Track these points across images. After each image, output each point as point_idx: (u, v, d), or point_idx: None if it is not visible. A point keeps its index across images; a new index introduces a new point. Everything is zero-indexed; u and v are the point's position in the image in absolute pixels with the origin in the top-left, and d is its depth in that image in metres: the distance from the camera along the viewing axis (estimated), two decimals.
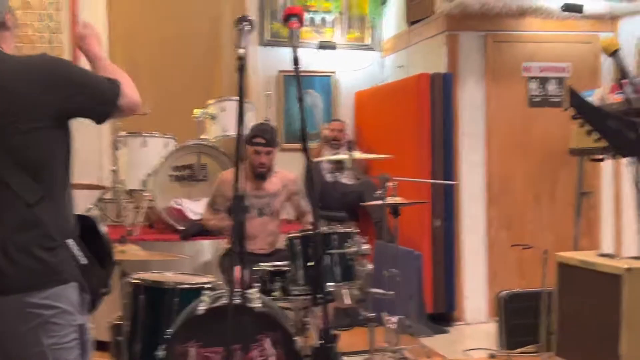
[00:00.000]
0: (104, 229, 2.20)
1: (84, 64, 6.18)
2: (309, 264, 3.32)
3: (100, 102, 2.06)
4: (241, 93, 2.01)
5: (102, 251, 2.13)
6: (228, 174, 4.51)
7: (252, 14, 6.49)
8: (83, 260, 2.01)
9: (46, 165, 1.99)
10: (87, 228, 2.12)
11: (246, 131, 4.91)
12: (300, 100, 2.01)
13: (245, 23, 2.13)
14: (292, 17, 2.16)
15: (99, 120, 2.11)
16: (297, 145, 6.47)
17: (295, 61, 2.06)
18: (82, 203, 2.14)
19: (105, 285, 2.13)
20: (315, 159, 5.80)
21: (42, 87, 1.96)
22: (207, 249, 4.84)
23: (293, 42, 2.10)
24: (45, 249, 1.95)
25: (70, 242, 2.00)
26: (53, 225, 1.98)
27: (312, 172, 2.10)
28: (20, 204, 1.94)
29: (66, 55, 6.11)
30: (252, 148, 4.22)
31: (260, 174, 4.27)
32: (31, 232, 1.94)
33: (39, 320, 1.94)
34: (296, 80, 2.07)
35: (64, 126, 2.04)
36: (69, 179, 2.09)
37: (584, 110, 1.81)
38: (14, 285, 1.92)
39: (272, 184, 4.36)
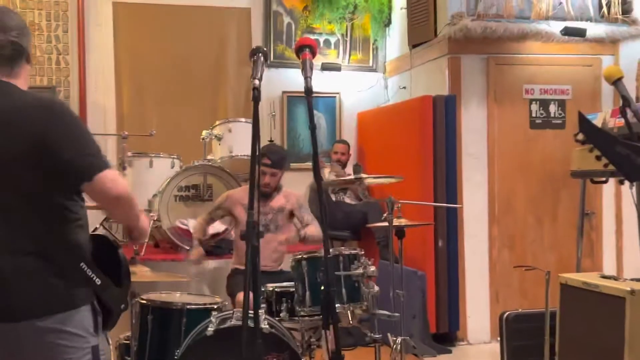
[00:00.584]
0: (120, 248, 2.23)
1: (91, 84, 6.18)
2: (322, 288, 3.33)
3: (78, 163, 2.00)
4: (256, 119, 2.04)
5: (118, 270, 2.15)
6: (235, 192, 4.55)
7: (257, 36, 6.58)
8: (97, 281, 2.03)
9: (52, 195, 2.00)
10: (102, 247, 2.14)
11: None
12: (313, 129, 2.04)
13: (260, 54, 2.16)
14: (304, 48, 2.19)
15: (74, 183, 2.03)
16: (301, 165, 6.59)
17: (308, 91, 2.09)
18: (90, 223, 2.16)
19: (122, 303, 2.15)
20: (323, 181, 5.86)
21: (45, 128, 1.97)
22: (214, 268, 4.86)
23: (306, 72, 2.13)
24: (56, 275, 1.97)
25: (84, 266, 2.01)
26: (63, 251, 1.99)
27: (323, 196, 2.12)
28: (30, 232, 1.97)
29: (73, 75, 6.17)
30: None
31: (265, 193, 4.30)
32: (41, 259, 1.96)
33: (52, 344, 1.96)
34: (308, 109, 2.09)
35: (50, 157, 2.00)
36: (80, 205, 2.08)
37: (593, 136, 1.85)
38: (26, 311, 1.94)
39: (276, 200, 4.39)
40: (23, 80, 2.11)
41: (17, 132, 1.97)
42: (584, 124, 1.83)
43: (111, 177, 2.03)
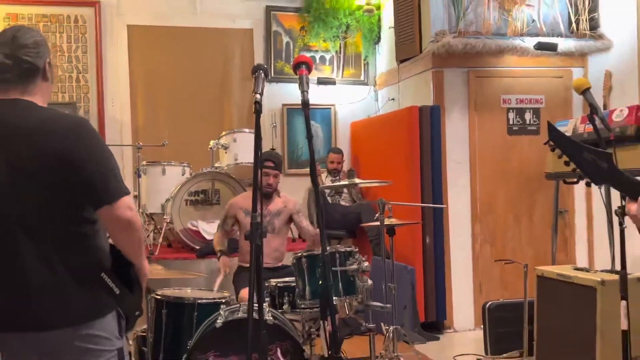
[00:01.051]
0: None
1: (108, 99, 6.19)
2: (320, 282, 3.34)
3: (100, 188, 1.94)
4: (257, 131, 2.04)
5: (130, 278, 2.10)
6: (237, 199, 4.57)
7: (259, 54, 6.59)
8: (116, 291, 2.00)
9: (75, 209, 1.94)
10: (118, 257, 2.08)
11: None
12: (310, 139, 2.05)
13: (260, 71, 2.17)
14: (301, 64, 2.20)
15: (93, 203, 1.96)
16: (299, 171, 6.59)
17: (305, 104, 2.10)
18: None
19: (138, 309, 2.12)
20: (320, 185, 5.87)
21: (72, 145, 1.90)
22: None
23: (302, 87, 2.14)
24: (83, 286, 1.94)
25: (104, 276, 1.97)
26: (88, 264, 1.96)
27: (320, 200, 2.12)
28: (54, 245, 1.92)
29: (92, 92, 6.18)
30: (261, 171, 4.28)
31: (267, 194, 4.33)
32: (67, 272, 1.92)
33: (83, 349, 1.94)
34: (305, 121, 2.10)
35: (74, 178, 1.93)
36: (94, 217, 2.01)
37: (562, 143, 1.84)
38: (61, 321, 1.91)
39: (275, 204, 4.41)
40: (40, 97, 2.02)
41: (42, 146, 1.89)
42: (553, 132, 1.83)
43: (128, 204, 1.97)
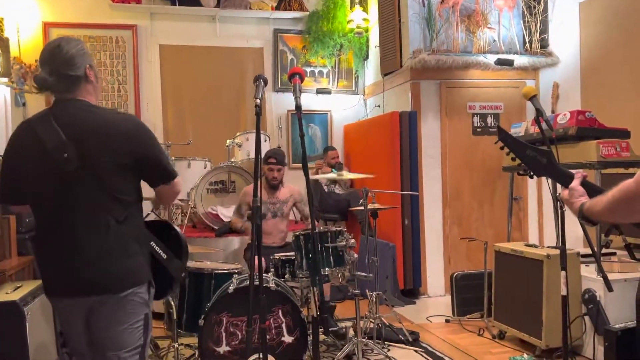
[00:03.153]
0: (178, 229, 2.17)
1: (144, 106, 6.20)
2: (310, 255, 3.33)
3: (160, 173, 1.99)
4: (258, 129, 2.03)
5: (177, 246, 2.08)
6: (250, 188, 4.54)
7: (267, 69, 6.56)
8: (164, 255, 1.98)
9: (127, 193, 1.92)
10: (163, 229, 2.07)
11: (263, 155, 4.97)
12: (302, 137, 2.03)
13: (260, 80, 2.15)
14: (294, 75, 2.18)
15: (152, 184, 2.02)
16: (300, 165, 6.58)
17: (298, 108, 2.07)
18: (145, 210, 2.11)
19: (182, 272, 2.11)
20: (315, 176, 5.86)
21: (126, 139, 1.90)
22: (236, 243, 4.85)
23: (295, 93, 2.12)
24: (129, 257, 1.89)
25: (153, 244, 1.97)
26: (134, 236, 1.92)
27: (311, 188, 2.11)
28: (111, 222, 1.88)
29: (130, 99, 6.16)
30: (267, 166, 4.27)
31: (274, 185, 4.32)
32: (119, 244, 1.88)
33: (121, 312, 1.90)
34: (298, 121, 2.08)
35: (137, 167, 1.94)
36: (141, 199, 2.02)
37: (508, 142, 1.84)
38: (108, 287, 1.87)
39: (283, 193, 4.39)
40: (91, 97, 1.98)
41: (114, 142, 1.87)
42: (501, 134, 1.82)
43: (179, 181, 2.03)
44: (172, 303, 3.48)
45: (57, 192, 1.88)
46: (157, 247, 1.97)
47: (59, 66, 1.91)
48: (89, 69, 1.96)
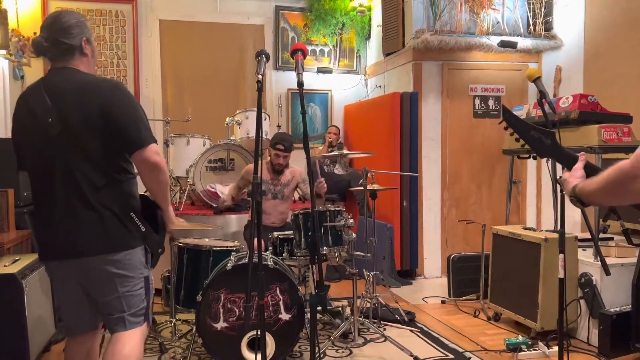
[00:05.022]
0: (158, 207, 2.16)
1: (143, 81, 6.16)
2: (309, 234, 3.33)
3: (129, 137, 1.94)
4: (259, 106, 2.00)
5: (157, 222, 2.11)
6: (251, 166, 4.52)
7: (268, 46, 6.48)
8: (142, 228, 2.00)
9: (112, 157, 1.94)
10: (148, 205, 2.09)
11: (265, 134, 4.94)
12: (303, 114, 2.01)
13: (263, 55, 2.11)
14: (297, 51, 2.14)
15: (125, 151, 1.97)
16: (301, 144, 6.56)
17: (300, 84, 2.04)
18: (143, 187, 2.09)
19: (160, 247, 2.12)
20: (315, 156, 5.84)
21: (97, 99, 1.90)
22: (234, 221, 4.85)
23: (298, 70, 2.09)
24: (118, 221, 1.94)
25: (133, 215, 1.98)
26: (118, 203, 1.95)
27: (311, 168, 2.09)
28: (96, 188, 1.92)
29: (130, 75, 6.11)
30: (274, 151, 4.21)
31: (278, 170, 4.29)
32: (106, 209, 1.93)
33: (114, 274, 1.96)
34: (300, 98, 2.05)
35: (107, 129, 1.92)
36: (130, 169, 2.02)
37: (512, 122, 1.81)
38: (99, 249, 1.93)
39: (285, 176, 4.37)
40: (82, 68, 2.01)
41: (88, 102, 1.88)
42: (506, 113, 1.79)
43: (156, 150, 1.98)
44: (170, 279, 3.49)
45: (45, 158, 1.94)
46: (136, 219, 1.98)
47: (56, 32, 1.96)
48: (86, 42, 2.01)
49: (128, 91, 2.01)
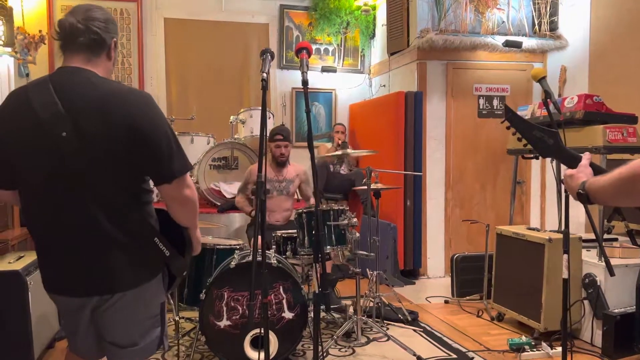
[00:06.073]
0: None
1: (148, 79, 6.17)
2: (313, 232, 3.33)
3: (160, 165, 1.67)
4: (264, 104, 2.00)
5: (180, 240, 1.82)
6: (255, 167, 4.50)
7: (273, 45, 6.48)
8: (167, 252, 1.74)
9: (135, 179, 1.69)
10: (166, 219, 1.80)
11: (268, 132, 4.94)
12: (308, 112, 2.00)
13: (267, 54, 2.12)
14: (302, 49, 2.14)
15: (153, 179, 1.71)
16: (305, 143, 6.55)
17: (304, 83, 2.04)
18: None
19: (184, 270, 1.87)
20: (321, 155, 5.84)
21: (131, 124, 1.60)
22: (238, 219, 4.86)
23: (302, 68, 2.08)
24: (140, 250, 1.71)
25: (157, 240, 1.72)
26: (143, 229, 1.70)
27: (315, 166, 2.09)
28: (116, 212, 1.65)
29: (134, 73, 6.12)
30: (274, 143, 4.24)
31: (281, 162, 4.29)
32: (127, 238, 1.68)
33: (135, 306, 1.76)
34: (304, 97, 2.05)
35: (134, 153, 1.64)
36: (149, 186, 1.76)
37: (515, 122, 1.81)
38: (121, 285, 1.71)
39: (289, 172, 4.37)
40: (102, 71, 1.70)
41: (112, 118, 1.58)
42: (508, 113, 1.79)
43: (188, 183, 1.70)
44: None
45: (50, 176, 1.62)
46: (160, 244, 1.72)
47: (91, 20, 1.68)
48: (114, 45, 1.76)
49: (158, 106, 1.72)
